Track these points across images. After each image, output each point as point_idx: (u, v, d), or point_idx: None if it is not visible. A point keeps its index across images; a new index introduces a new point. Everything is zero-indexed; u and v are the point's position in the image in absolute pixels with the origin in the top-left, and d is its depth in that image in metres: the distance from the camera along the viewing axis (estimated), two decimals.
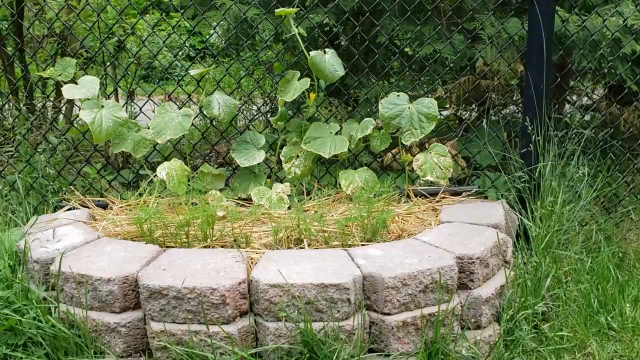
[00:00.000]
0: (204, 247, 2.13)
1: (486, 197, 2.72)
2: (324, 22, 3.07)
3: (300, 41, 2.58)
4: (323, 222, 2.16)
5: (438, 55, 2.90)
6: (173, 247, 2.15)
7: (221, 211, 2.42)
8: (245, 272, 1.82)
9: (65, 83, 2.59)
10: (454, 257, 1.94)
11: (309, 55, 2.54)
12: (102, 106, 2.55)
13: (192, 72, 2.63)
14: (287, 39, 2.75)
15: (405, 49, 3.32)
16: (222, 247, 2.15)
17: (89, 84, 2.58)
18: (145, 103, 2.86)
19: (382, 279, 1.79)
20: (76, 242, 2.09)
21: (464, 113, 3.87)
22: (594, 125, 2.84)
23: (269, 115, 4.10)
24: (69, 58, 2.62)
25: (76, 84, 2.58)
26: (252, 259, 1.99)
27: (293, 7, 2.61)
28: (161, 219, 2.14)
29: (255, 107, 4.11)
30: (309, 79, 2.58)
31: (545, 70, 2.49)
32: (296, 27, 2.59)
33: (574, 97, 3.78)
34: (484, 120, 3.78)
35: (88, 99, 2.53)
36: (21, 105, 3.60)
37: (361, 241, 2.17)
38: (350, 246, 2.12)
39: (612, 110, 3.14)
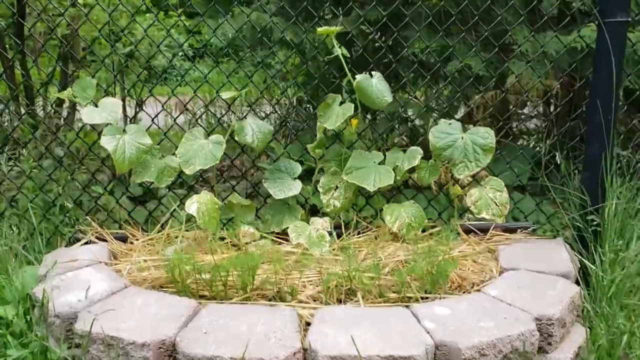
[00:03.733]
0: (244, 298, 1.89)
1: (534, 231, 2.49)
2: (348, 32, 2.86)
3: (344, 62, 2.35)
4: (378, 273, 1.92)
5: (475, 72, 2.67)
6: (207, 296, 1.92)
7: (257, 250, 2.19)
8: (298, 339, 1.59)
9: (82, 105, 2.35)
10: (532, 319, 1.71)
11: (355, 79, 2.31)
12: (124, 131, 2.31)
13: (224, 95, 2.39)
14: (329, 60, 2.51)
15: (432, 63, 3.08)
16: (263, 297, 1.92)
17: (111, 106, 2.34)
18: (160, 112, 2.58)
19: (458, 349, 1.56)
20: (101, 291, 1.85)
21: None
22: None
23: (283, 126, 3.87)
24: (88, 78, 2.38)
25: (96, 106, 2.35)
26: (301, 316, 1.75)
27: (322, 18, 2.37)
28: (193, 264, 1.90)
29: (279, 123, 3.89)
30: (353, 105, 2.35)
31: (614, 98, 2.26)
32: (339, 47, 2.36)
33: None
34: (521, 140, 3.57)
35: (109, 124, 2.29)
36: (22, 111, 3.37)
37: (418, 291, 1.94)
38: (409, 300, 1.89)
39: None
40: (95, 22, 3.09)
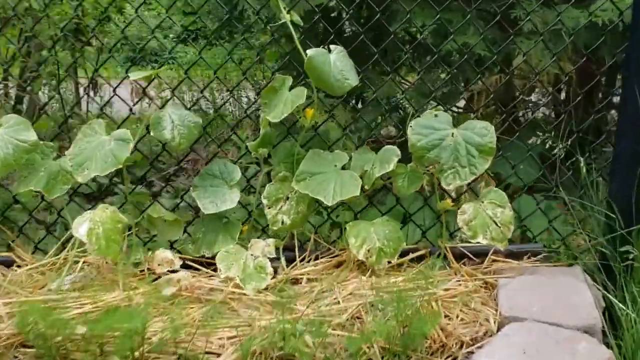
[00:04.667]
0: None
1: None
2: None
3: (294, 32, 1.75)
4: (323, 335, 1.34)
5: (470, 50, 2.10)
6: None
7: (171, 287, 1.62)
8: None
9: None
10: None
11: (306, 54, 1.71)
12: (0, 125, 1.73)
13: (132, 75, 1.79)
14: (275, 29, 1.92)
15: (425, 41, 2.50)
16: None
17: None
18: (112, 97, 1.95)
19: None
20: None
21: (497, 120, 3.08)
22: None
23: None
24: None
25: None
26: None
27: None
28: (53, 319, 1.31)
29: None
30: (305, 89, 1.75)
31: None
32: (287, 11, 1.76)
33: None
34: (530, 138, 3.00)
35: None
36: None
37: (383, 357, 1.36)
38: None
39: None
40: None
